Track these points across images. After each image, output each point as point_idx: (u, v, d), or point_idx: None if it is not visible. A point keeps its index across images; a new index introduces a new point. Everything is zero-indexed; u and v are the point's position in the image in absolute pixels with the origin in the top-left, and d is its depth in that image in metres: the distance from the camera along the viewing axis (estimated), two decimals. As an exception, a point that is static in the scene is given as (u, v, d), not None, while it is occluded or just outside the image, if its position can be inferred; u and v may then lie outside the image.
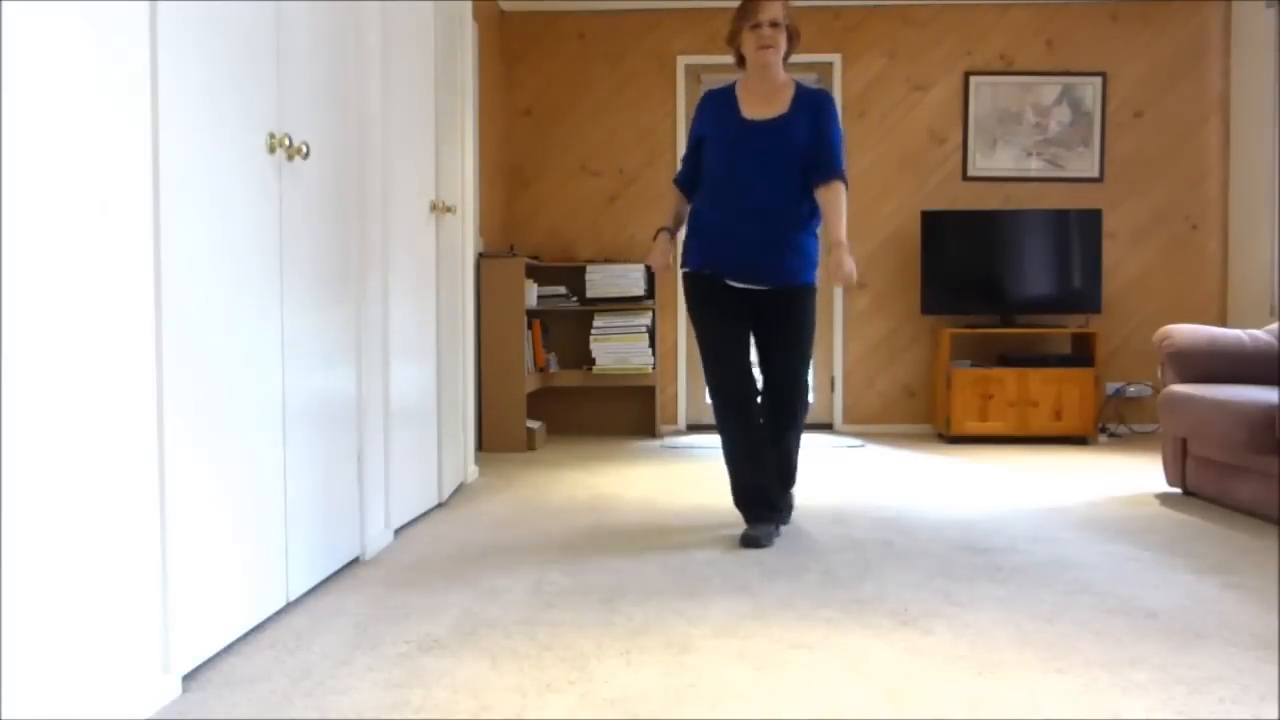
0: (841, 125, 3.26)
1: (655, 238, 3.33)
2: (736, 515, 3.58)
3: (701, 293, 3.24)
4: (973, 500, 3.86)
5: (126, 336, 1.74)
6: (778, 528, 3.24)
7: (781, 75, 3.24)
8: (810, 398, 3.35)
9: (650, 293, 5.86)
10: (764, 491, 3.20)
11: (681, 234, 3.38)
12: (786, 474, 3.33)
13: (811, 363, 3.20)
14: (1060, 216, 5.77)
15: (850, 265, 3.08)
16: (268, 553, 2.31)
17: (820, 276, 3.28)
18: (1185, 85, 6.03)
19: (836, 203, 3.14)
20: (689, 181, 3.36)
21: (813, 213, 3.21)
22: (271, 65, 2.30)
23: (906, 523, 3.45)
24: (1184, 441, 3.91)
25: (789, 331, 3.23)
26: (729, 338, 3.21)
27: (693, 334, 6.24)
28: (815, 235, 3.27)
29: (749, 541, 3.10)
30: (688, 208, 3.37)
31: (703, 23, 6.11)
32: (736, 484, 3.26)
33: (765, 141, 3.15)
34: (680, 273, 3.23)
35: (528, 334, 5.39)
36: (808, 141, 3.14)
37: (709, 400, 3.27)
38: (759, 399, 3.27)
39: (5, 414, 1.44)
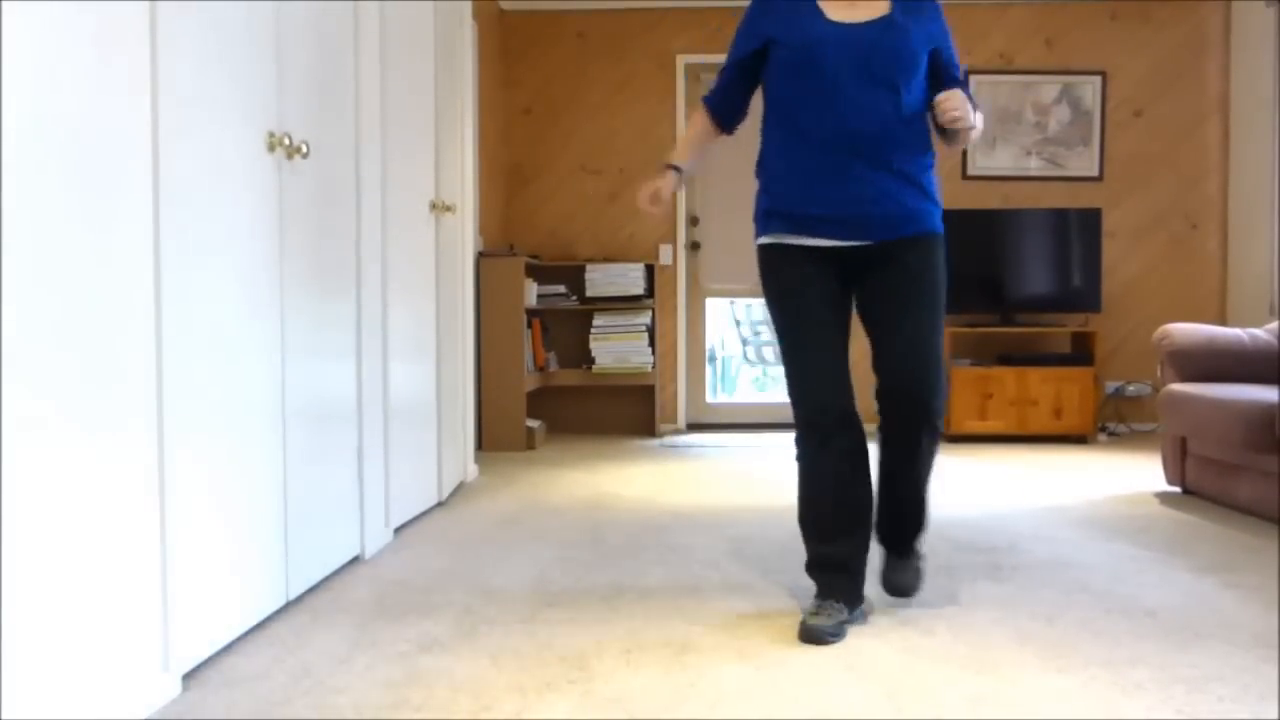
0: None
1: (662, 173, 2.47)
2: (737, 513, 3.58)
3: (786, 273, 2.37)
4: (972, 499, 3.86)
5: (126, 336, 1.74)
6: (851, 610, 2.32)
7: None
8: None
9: (650, 292, 5.86)
10: (846, 561, 2.35)
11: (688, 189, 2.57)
12: (906, 517, 2.47)
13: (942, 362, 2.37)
14: (1060, 215, 5.77)
15: (962, 107, 2.23)
16: (267, 551, 2.31)
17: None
18: (1185, 84, 6.03)
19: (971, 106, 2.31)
20: (727, 108, 2.51)
21: (930, 144, 2.40)
22: (271, 65, 2.30)
23: (906, 522, 3.44)
24: (1183, 440, 3.91)
25: (913, 296, 2.34)
26: (823, 333, 2.36)
27: (692, 334, 6.26)
28: (934, 170, 2.42)
29: (809, 634, 2.20)
30: (714, 144, 2.56)
31: (702, 22, 6.11)
32: (810, 545, 2.41)
33: (868, 46, 2.28)
34: (755, 246, 2.45)
35: (527, 333, 5.39)
36: (923, 50, 2.33)
37: (795, 421, 2.42)
38: (860, 423, 2.43)
39: (6, 413, 1.44)
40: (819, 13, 2.33)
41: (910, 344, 2.33)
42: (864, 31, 2.30)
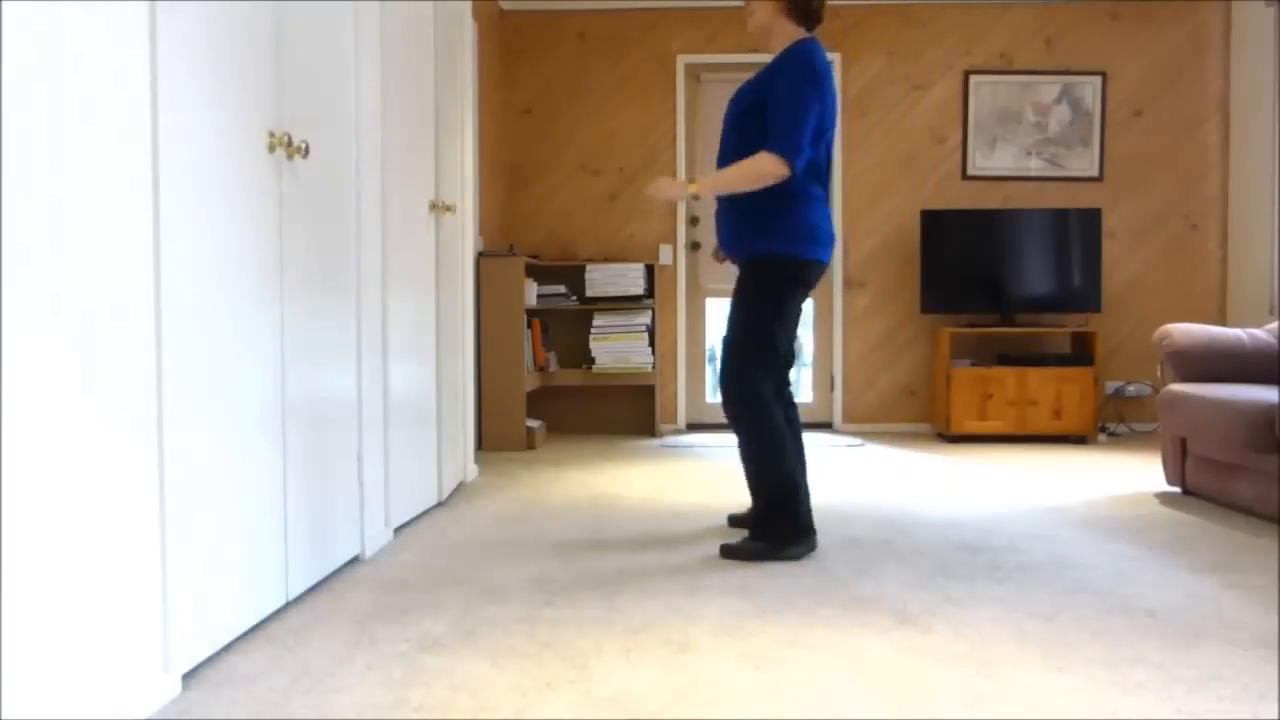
0: (802, 85, 2.86)
1: None
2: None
3: None
4: (972, 499, 3.86)
5: (126, 336, 1.74)
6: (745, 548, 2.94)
7: (776, 44, 3.02)
8: (748, 404, 2.96)
9: (650, 291, 5.86)
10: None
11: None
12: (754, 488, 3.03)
13: (754, 361, 2.94)
14: (1060, 216, 5.77)
15: (661, 187, 2.96)
16: (267, 551, 2.31)
17: None
18: (1185, 84, 6.03)
19: (739, 163, 2.89)
20: None
21: (776, 187, 2.92)
22: (271, 65, 2.30)
23: (906, 522, 3.45)
24: (1183, 440, 3.91)
25: (731, 309, 3.01)
26: None
27: (692, 334, 6.27)
28: (782, 201, 2.92)
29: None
30: None
31: (702, 22, 6.11)
32: None
33: (726, 118, 3.05)
34: None
35: (527, 333, 5.39)
36: (748, 108, 2.94)
37: None
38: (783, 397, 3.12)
39: (5, 414, 1.44)
40: None
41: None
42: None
